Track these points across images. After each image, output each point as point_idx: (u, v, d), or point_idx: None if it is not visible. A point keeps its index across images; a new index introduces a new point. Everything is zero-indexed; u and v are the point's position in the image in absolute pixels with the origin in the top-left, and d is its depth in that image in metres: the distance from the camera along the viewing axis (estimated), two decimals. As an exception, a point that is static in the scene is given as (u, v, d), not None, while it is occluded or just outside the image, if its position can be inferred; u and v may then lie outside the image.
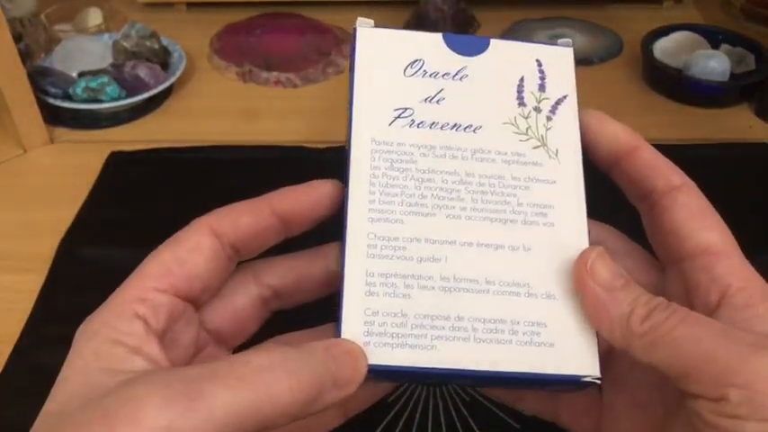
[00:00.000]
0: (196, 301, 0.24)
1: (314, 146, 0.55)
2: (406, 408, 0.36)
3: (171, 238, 0.24)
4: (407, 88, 0.25)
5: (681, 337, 0.19)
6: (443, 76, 0.26)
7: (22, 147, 0.55)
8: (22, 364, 0.39)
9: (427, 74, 0.25)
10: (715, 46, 0.63)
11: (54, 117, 0.58)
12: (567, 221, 0.24)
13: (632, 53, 0.66)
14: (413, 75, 0.25)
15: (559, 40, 0.27)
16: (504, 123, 0.25)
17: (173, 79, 0.61)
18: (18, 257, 0.46)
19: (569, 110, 0.26)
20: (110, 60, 0.61)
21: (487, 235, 0.23)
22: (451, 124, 0.25)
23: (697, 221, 0.23)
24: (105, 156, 0.54)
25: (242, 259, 0.25)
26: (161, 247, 0.24)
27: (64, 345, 0.40)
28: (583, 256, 0.22)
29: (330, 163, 0.58)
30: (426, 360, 0.22)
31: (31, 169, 0.54)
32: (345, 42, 0.68)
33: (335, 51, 0.67)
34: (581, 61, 0.66)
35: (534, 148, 0.25)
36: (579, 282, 0.22)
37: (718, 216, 0.23)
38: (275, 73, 0.64)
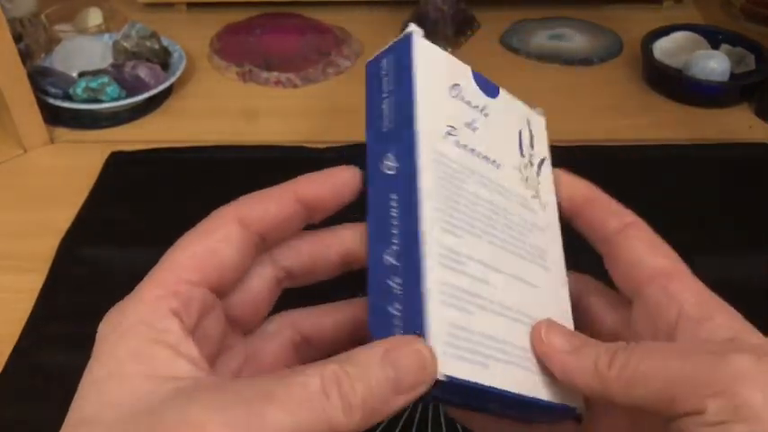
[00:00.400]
0: (224, 292, 0.23)
1: (314, 146, 0.55)
2: (405, 407, 0.36)
3: (197, 229, 0.23)
4: (453, 108, 0.25)
5: (649, 368, 0.20)
6: (474, 106, 0.26)
7: (23, 147, 0.55)
8: (22, 364, 0.39)
9: (464, 100, 0.25)
10: (715, 46, 0.63)
11: (54, 117, 0.58)
12: (556, 268, 0.26)
13: (632, 53, 0.66)
14: (455, 97, 0.25)
15: (536, 108, 0.29)
16: (513, 168, 0.26)
17: (173, 79, 0.61)
18: (18, 257, 0.46)
19: (548, 170, 0.28)
20: (110, 60, 0.61)
21: (516, 267, 0.24)
22: (483, 155, 0.25)
23: (650, 250, 0.25)
24: (105, 156, 0.54)
25: (267, 247, 0.24)
26: (189, 238, 0.23)
27: (64, 344, 0.41)
28: (535, 331, 0.23)
29: (330, 163, 0.58)
30: (485, 378, 0.21)
31: (32, 169, 0.54)
32: (345, 42, 0.68)
33: (335, 51, 0.67)
34: (581, 61, 0.66)
35: (532, 197, 0.26)
36: (542, 354, 0.23)
37: (668, 245, 0.25)
38: (275, 73, 0.64)
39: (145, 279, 0.22)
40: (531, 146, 0.27)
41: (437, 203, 0.22)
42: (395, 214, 0.22)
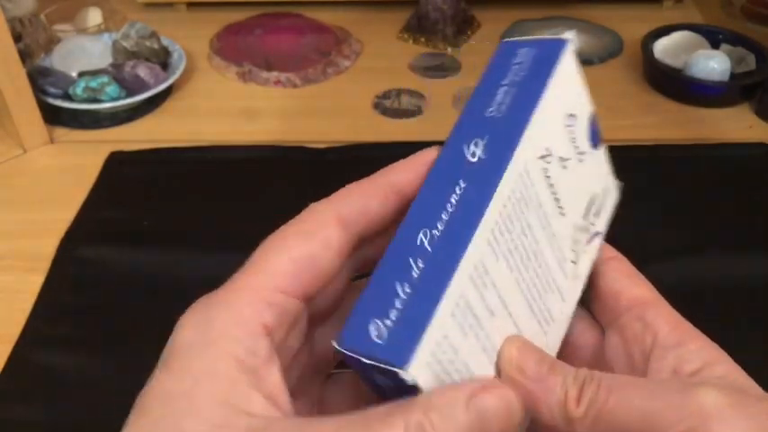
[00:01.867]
0: (314, 299, 0.22)
1: (314, 146, 0.55)
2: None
3: (294, 228, 0.21)
4: (559, 136, 0.23)
5: (615, 408, 0.20)
6: (575, 146, 0.24)
7: (22, 147, 0.55)
8: (22, 364, 0.39)
9: (572, 135, 0.24)
10: (715, 46, 0.63)
11: (54, 117, 0.58)
12: (553, 341, 0.25)
13: (632, 53, 0.66)
14: (567, 127, 0.24)
15: (618, 183, 0.26)
16: (572, 225, 0.25)
17: (172, 79, 0.61)
18: (18, 257, 0.46)
19: (597, 246, 0.25)
20: (109, 60, 0.61)
21: (521, 317, 0.23)
22: (556, 196, 0.24)
23: (628, 281, 0.25)
24: (105, 156, 0.54)
25: (361, 246, 0.23)
26: (286, 238, 0.20)
27: (64, 344, 0.41)
28: (506, 352, 0.22)
29: (330, 163, 0.58)
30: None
31: (31, 169, 0.54)
32: (345, 42, 0.68)
33: (335, 51, 0.67)
34: (581, 61, 0.66)
35: (572, 261, 0.25)
36: (509, 381, 0.22)
37: (645, 278, 0.25)
38: (275, 73, 0.64)
39: (238, 278, 0.20)
40: (597, 214, 0.26)
41: (498, 215, 0.21)
42: (454, 201, 0.21)
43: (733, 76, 0.60)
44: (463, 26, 0.70)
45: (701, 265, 0.44)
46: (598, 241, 0.26)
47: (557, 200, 0.23)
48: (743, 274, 0.43)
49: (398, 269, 0.20)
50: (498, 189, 0.21)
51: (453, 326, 0.20)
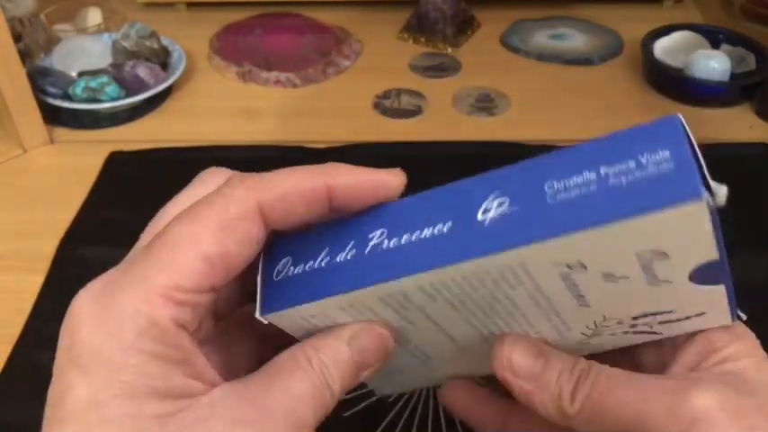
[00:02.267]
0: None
1: (314, 146, 0.55)
2: (405, 408, 0.36)
3: (208, 209, 0.19)
4: (617, 258, 0.18)
5: (609, 407, 0.20)
6: (651, 275, 0.18)
7: (22, 147, 0.55)
8: (22, 364, 0.39)
9: (647, 262, 0.18)
10: (715, 46, 0.63)
11: (54, 117, 0.58)
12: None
13: (632, 53, 0.66)
14: (642, 256, 0.18)
15: (737, 320, 0.21)
16: (586, 325, 0.21)
17: (172, 79, 0.61)
18: (18, 257, 0.46)
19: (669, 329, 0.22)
20: (109, 60, 0.61)
21: (468, 336, 0.23)
22: (581, 293, 0.19)
23: None
24: (105, 156, 0.54)
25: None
26: (197, 225, 0.19)
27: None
28: (498, 352, 0.22)
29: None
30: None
31: (31, 169, 0.54)
32: (345, 42, 0.68)
33: (335, 51, 0.67)
34: (581, 61, 0.66)
35: (588, 333, 0.22)
36: (504, 381, 0.22)
37: None
38: (275, 73, 0.64)
39: (136, 258, 0.19)
40: (664, 323, 0.21)
41: (451, 278, 0.19)
42: (426, 234, 0.19)
43: (733, 76, 0.60)
44: (463, 26, 0.70)
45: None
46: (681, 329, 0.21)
47: (580, 296, 0.20)
48: (743, 274, 0.43)
49: (336, 241, 0.20)
50: (468, 264, 0.18)
51: (337, 310, 0.21)
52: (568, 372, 0.21)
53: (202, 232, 0.19)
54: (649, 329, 0.21)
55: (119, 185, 0.52)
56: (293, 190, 0.20)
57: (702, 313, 0.20)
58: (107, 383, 0.18)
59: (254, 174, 0.21)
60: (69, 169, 0.54)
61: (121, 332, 0.18)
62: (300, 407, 0.20)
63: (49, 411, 0.18)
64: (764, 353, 0.21)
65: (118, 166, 0.53)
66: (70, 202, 0.50)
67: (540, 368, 0.22)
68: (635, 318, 0.21)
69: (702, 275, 0.18)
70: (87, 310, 0.19)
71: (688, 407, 0.19)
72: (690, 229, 0.17)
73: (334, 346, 0.21)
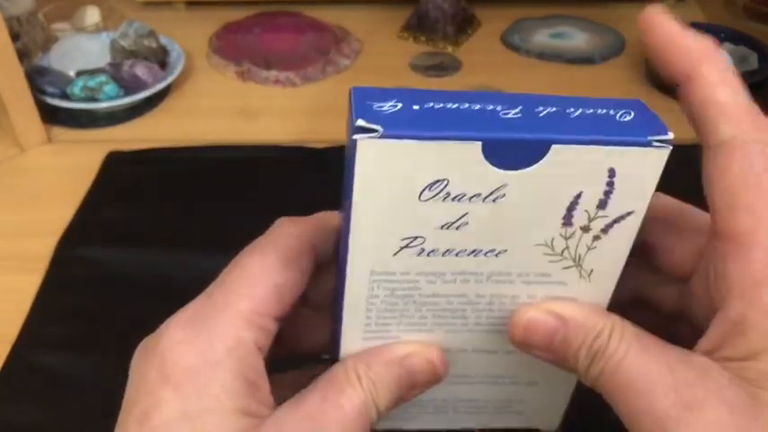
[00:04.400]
0: None
1: (313, 145, 0.54)
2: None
3: (277, 251, 0.21)
4: (422, 215, 0.20)
5: (611, 398, 0.20)
6: (471, 198, 0.19)
7: (20, 146, 0.55)
8: (21, 364, 0.39)
9: (450, 197, 0.19)
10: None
11: (51, 116, 0.57)
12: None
13: (634, 52, 0.66)
14: (430, 198, 0.19)
15: (655, 139, 0.21)
16: (537, 245, 0.21)
17: (171, 78, 0.60)
18: (16, 257, 0.46)
19: (628, 228, 0.21)
20: (108, 59, 0.61)
21: (484, 342, 0.23)
22: (470, 251, 0.21)
23: (729, 195, 0.19)
24: (103, 155, 0.54)
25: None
26: (268, 263, 0.21)
27: (63, 345, 0.40)
28: (515, 326, 0.22)
29: (330, 163, 0.58)
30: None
31: (29, 169, 0.54)
32: (345, 41, 0.68)
33: (335, 50, 0.67)
34: (583, 60, 0.66)
35: (565, 268, 0.21)
36: (526, 352, 0.22)
37: (766, 187, 0.18)
38: (274, 72, 0.63)
39: (221, 295, 0.21)
40: (603, 205, 0.20)
41: (363, 320, 0.22)
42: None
43: (735, 75, 0.59)
44: (464, 25, 0.70)
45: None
46: (630, 222, 0.20)
47: (476, 251, 0.21)
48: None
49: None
50: (345, 308, 0.21)
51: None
52: (587, 349, 0.20)
53: (272, 264, 0.21)
54: (599, 222, 0.21)
55: (117, 185, 0.51)
56: (332, 223, 0.23)
57: (612, 171, 0.20)
58: (197, 397, 0.19)
59: (301, 217, 0.23)
60: (67, 169, 0.53)
61: (212, 351, 0.20)
62: (350, 424, 0.20)
63: (134, 427, 0.19)
64: None
65: (116, 166, 0.53)
66: (68, 201, 0.49)
67: (560, 340, 0.21)
68: (563, 221, 0.20)
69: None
70: (179, 334, 0.20)
71: (697, 422, 0.18)
72: (639, 169, 0.19)
73: (385, 364, 0.21)
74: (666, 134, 0.20)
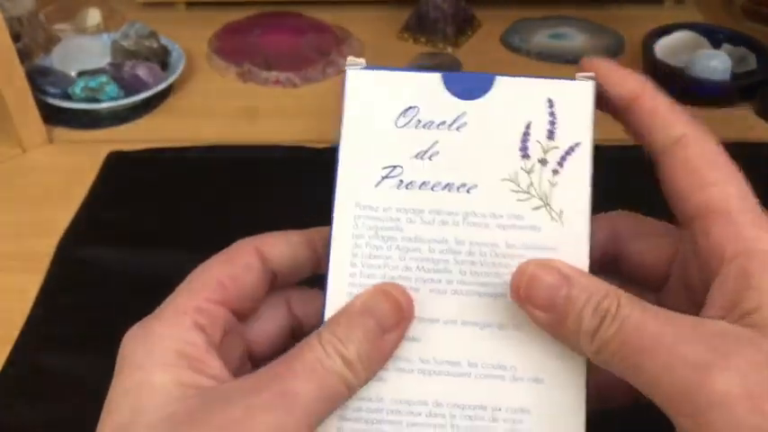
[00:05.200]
0: (241, 318, 0.24)
1: (313, 146, 0.54)
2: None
3: (219, 256, 0.24)
4: (399, 142, 0.22)
5: (627, 366, 0.19)
6: (439, 125, 0.22)
7: (21, 147, 0.55)
8: (22, 364, 0.39)
9: (421, 123, 0.22)
10: (716, 45, 0.63)
11: (53, 117, 0.57)
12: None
13: (633, 52, 0.66)
14: (405, 125, 0.23)
15: (579, 74, 0.23)
16: (503, 180, 0.22)
17: (172, 79, 0.60)
18: (17, 257, 0.46)
19: (581, 160, 0.23)
20: (108, 60, 0.61)
21: (474, 311, 0.22)
22: (443, 184, 0.22)
23: (695, 177, 0.21)
24: (104, 155, 0.54)
25: (277, 285, 0.26)
26: (211, 263, 0.24)
27: (63, 344, 0.41)
28: (518, 274, 0.21)
29: (330, 163, 0.58)
30: None
31: (30, 169, 0.54)
32: (345, 42, 0.68)
33: (335, 51, 0.67)
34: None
35: (534, 208, 0.22)
36: (522, 308, 0.21)
37: (724, 165, 0.22)
38: (275, 72, 0.63)
39: (168, 299, 0.23)
40: (551, 135, 0.23)
41: (348, 267, 0.22)
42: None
43: (734, 75, 0.59)
44: (463, 25, 0.70)
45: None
46: (581, 153, 0.23)
47: (447, 186, 0.22)
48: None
49: None
50: (331, 256, 0.22)
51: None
52: (593, 308, 0.19)
53: (210, 263, 0.24)
54: (555, 152, 0.23)
55: (118, 185, 0.52)
56: (282, 237, 0.25)
57: (551, 100, 0.23)
58: (136, 374, 0.21)
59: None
60: (68, 169, 0.54)
61: (152, 336, 0.21)
62: (309, 388, 0.20)
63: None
64: None
65: (117, 166, 0.53)
66: (69, 201, 0.49)
67: (563, 299, 0.20)
68: (521, 154, 0.23)
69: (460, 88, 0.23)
70: (135, 329, 0.22)
71: (706, 391, 0.17)
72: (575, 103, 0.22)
73: (347, 319, 0.21)
74: (591, 73, 0.23)
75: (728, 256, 0.20)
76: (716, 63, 0.58)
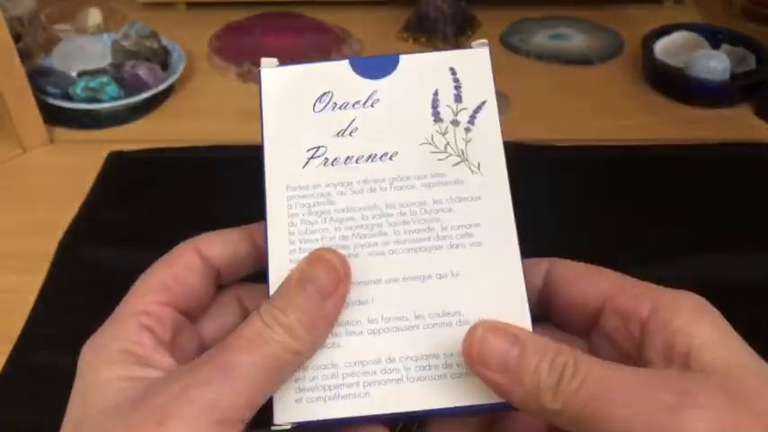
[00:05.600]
0: (191, 315, 0.25)
1: (314, 146, 0.55)
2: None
3: (161, 260, 0.25)
4: (318, 125, 0.25)
5: (597, 415, 0.19)
6: (354, 105, 0.25)
7: (22, 147, 0.55)
8: (22, 364, 0.39)
9: (337, 106, 0.25)
10: (715, 46, 0.63)
11: (53, 117, 0.57)
12: (496, 237, 0.23)
13: (633, 53, 0.66)
14: (323, 109, 0.25)
15: (474, 42, 0.26)
16: (421, 144, 0.24)
17: (172, 79, 0.61)
18: (17, 257, 0.46)
19: (489, 117, 0.25)
20: (109, 60, 0.61)
21: (413, 267, 0.23)
22: (366, 155, 0.24)
23: (584, 282, 0.23)
24: (105, 155, 0.54)
25: (223, 282, 0.26)
26: (154, 267, 0.25)
27: (64, 345, 0.40)
28: (466, 343, 0.21)
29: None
30: (360, 408, 0.22)
31: (31, 169, 0.54)
32: (345, 42, 0.68)
33: (335, 51, 0.67)
34: (581, 61, 0.66)
35: (454, 165, 0.24)
36: (473, 372, 0.21)
37: (595, 267, 0.24)
38: (275, 73, 0.64)
39: (117, 307, 0.24)
40: (458, 98, 0.25)
41: (287, 245, 0.23)
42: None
43: (733, 76, 0.60)
44: (463, 26, 0.70)
45: (701, 265, 0.44)
46: (489, 108, 0.25)
47: (370, 157, 0.24)
48: (743, 275, 0.43)
49: None
50: (269, 229, 0.24)
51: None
52: (548, 363, 0.19)
53: (156, 268, 0.25)
54: (465, 112, 0.25)
55: (118, 185, 0.52)
56: (221, 234, 0.26)
57: (453, 67, 0.25)
58: (88, 375, 0.22)
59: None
60: (69, 169, 0.54)
61: (101, 339, 0.23)
62: (248, 359, 0.20)
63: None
64: (729, 328, 0.21)
65: (117, 166, 0.53)
66: (70, 202, 0.50)
67: (516, 356, 0.20)
68: (434, 118, 0.25)
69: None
70: (85, 348, 0.23)
71: (681, 430, 0.18)
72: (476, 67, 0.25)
73: (285, 289, 0.22)
74: (485, 40, 0.26)
75: (644, 318, 0.21)
76: (715, 63, 0.58)
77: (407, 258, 0.23)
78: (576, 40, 0.69)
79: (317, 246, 0.23)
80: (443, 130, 0.24)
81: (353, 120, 0.24)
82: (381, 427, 0.23)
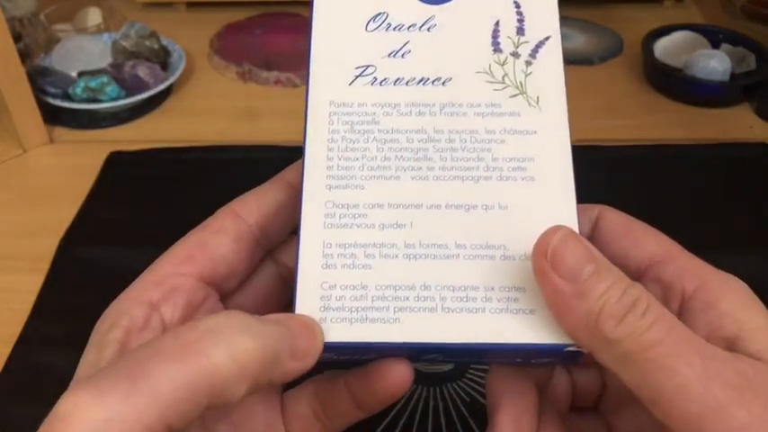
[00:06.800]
0: (222, 285, 0.23)
1: (314, 146, 0.55)
2: (405, 408, 0.36)
3: (197, 227, 0.24)
4: (370, 44, 0.24)
5: (656, 364, 0.17)
6: (409, 28, 0.24)
7: (22, 147, 0.55)
8: (22, 364, 0.39)
9: (391, 27, 0.24)
10: (716, 46, 0.63)
11: (53, 117, 0.58)
12: (550, 174, 0.22)
13: (633, 53, 0.66)
14: (376, 29, 0.24)
15: None
16: (478, 73, 0.23)
17: (172, 79, 0.61)
18: (18, 257, 0.46)
19: (552, 52, 0.24)
20: (109, 60, 0.61)
21: (458, 195, 0.22)
22: (418, 78, 0.23)
23: (631, 240, 0.22)
24: (105, 156, 0.54)
25: (271, 242, 0.24)
26: (188, 234, 0.23)
27: (64, 344, 0.41)
28: (542, 240, 0.19)
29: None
30: (387, 335, 0.20)
31: (31, 169, 0.54)
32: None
33: (335, 51, 0.67)
34: (581, 61, 0.66)
35: (512, 96, 0.23)
36: (537, 272, 0.19)
37: (647, 226, 0.22)
38: (275, 72, 0.64)
39: (142, 273, 0.23)
40: (521, 31, 0.24)
41: (325, 161, 0.22)
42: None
43: (733, 75, 0.60)
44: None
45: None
46: (552, 46, 0.24)
47: (421, 81, 0.23)
48: (744, 274, 0.43)
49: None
50: (306, 152, 0.23)
51: (335, 272, 0.21)
52: (621, 291, 0.18)
53: (188, 235, 0.23)
54: (526, 47, 0.24)
55: (118, 185, 0.52)
56: (259, 188, 0.25)
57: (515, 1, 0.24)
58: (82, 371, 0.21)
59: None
60: (69, 169, 0.54)
61: (106, 315, 0.22)
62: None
63: None
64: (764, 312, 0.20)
65: (117, 166, 0.53)
66: (70, 201, 0.50)
67: (590, 272, 0.18)
68: (493, 49, 0.24)
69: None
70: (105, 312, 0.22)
71: (733, 422, 0.17)
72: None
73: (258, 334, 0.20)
74: None
75: (689, 293, 0.20)
76: (715, 63, 0.58)
77: (452, 186, 0.22)
78: (575, 40, 0.69)
79: (356, 164, 0.22)
80: (502, 61, 0.23)
81: (407, 42, 0.24)
82: (407, 364, 0.21)
